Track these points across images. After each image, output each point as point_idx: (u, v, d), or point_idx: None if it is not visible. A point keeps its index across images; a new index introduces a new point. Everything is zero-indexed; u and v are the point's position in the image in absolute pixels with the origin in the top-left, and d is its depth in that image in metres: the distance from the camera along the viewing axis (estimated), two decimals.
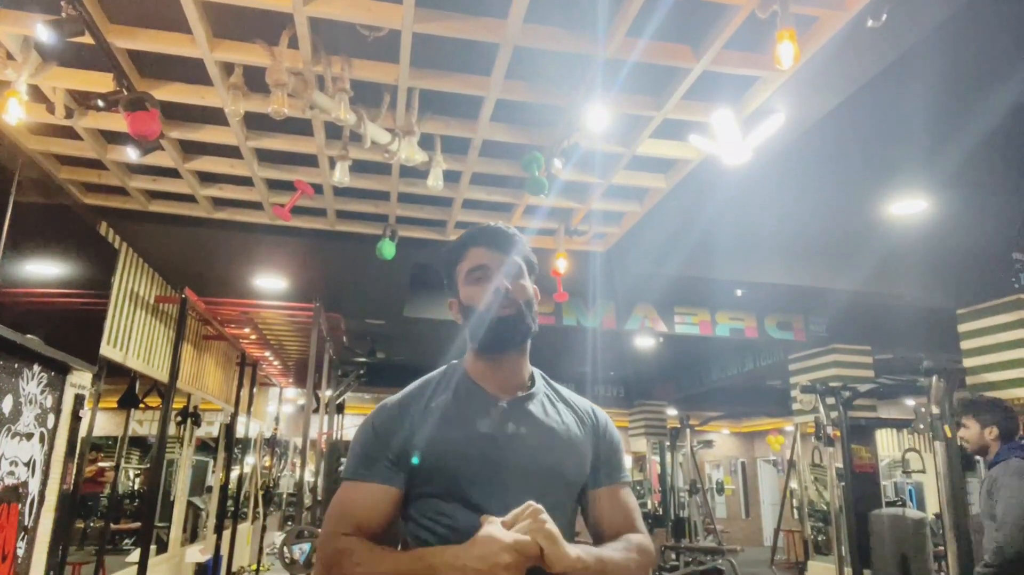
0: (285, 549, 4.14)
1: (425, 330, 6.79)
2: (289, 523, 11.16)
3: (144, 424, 7.51)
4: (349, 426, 9.53)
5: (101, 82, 2.81)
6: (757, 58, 2.69)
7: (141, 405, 5.94)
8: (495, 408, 1.24)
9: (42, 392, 3.45)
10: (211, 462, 8.21)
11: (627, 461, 15.72)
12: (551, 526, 1.06)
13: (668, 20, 2.46)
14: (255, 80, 2.79)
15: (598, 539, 1.28)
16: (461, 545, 1.06)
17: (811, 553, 8.70)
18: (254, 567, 8.13)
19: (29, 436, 3.34)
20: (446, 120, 3.24)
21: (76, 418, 3.77)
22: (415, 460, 1.19)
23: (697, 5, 2.40)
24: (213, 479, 7.68)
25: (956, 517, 4.81)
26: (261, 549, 8.55)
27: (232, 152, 3.55)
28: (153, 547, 4.97)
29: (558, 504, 1.19)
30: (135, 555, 4.78)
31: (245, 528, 8.30)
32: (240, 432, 7.52)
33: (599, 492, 1.30)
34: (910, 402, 10.26)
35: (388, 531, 1.20)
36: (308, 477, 9.07)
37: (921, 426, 5.20)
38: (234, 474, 7.74)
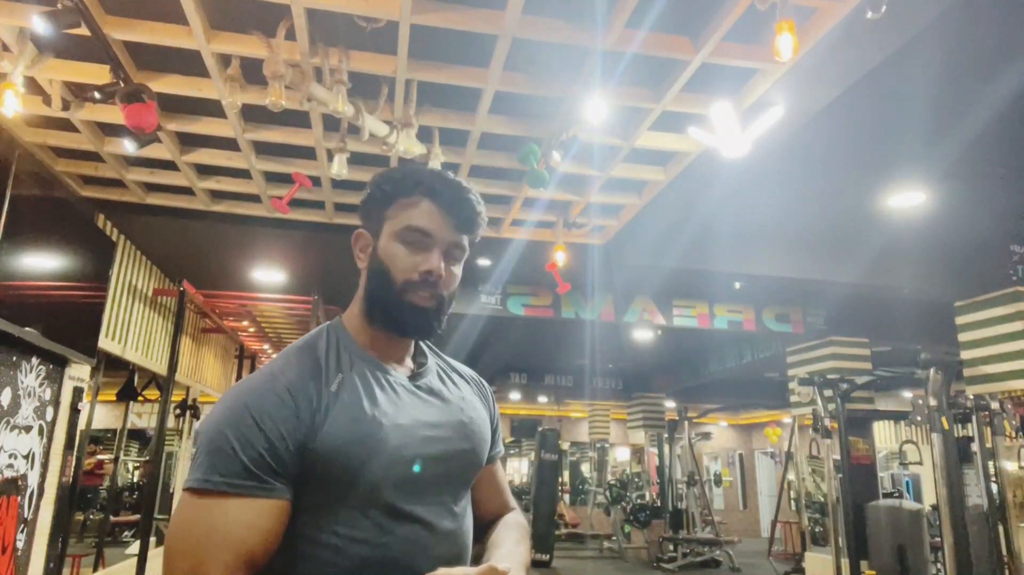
0: None
1: None
2: None
3: (143, 417, 7.52)
4: None
5: (98, 74, 2.79)
6: (756, 50, 2.68)
7: (140, 398, 5.96)
8: (398, 389, 1.03)
9: (40, 385, 3.44)
10: None
11: (625, 453, 15.81)
12: None
13: (667, 11, 2.45)
14: (252, 72, 2.77)
15: (482, 518, 1.15)
16: None
17: (808, 544, 8.74)
18: None
19: (28, 429, 3.34)
20: (444, 112, 3.24)
21: (75, 411, 3.77)
22: (319, 463, 0.92)
23: None
24: None
25: (953, 508, 4.84)
26: None
27: (229, 144, 3.54)
28: (153, 539, 4.99)
29: (467, 495, 1.08)
30: (135, 547, 4.79)
31: None
32: None
33: (488, 469, 1.17)
34: (908, 394, 10.30)
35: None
36: None
37: (919, 418, 5.22)
38: None
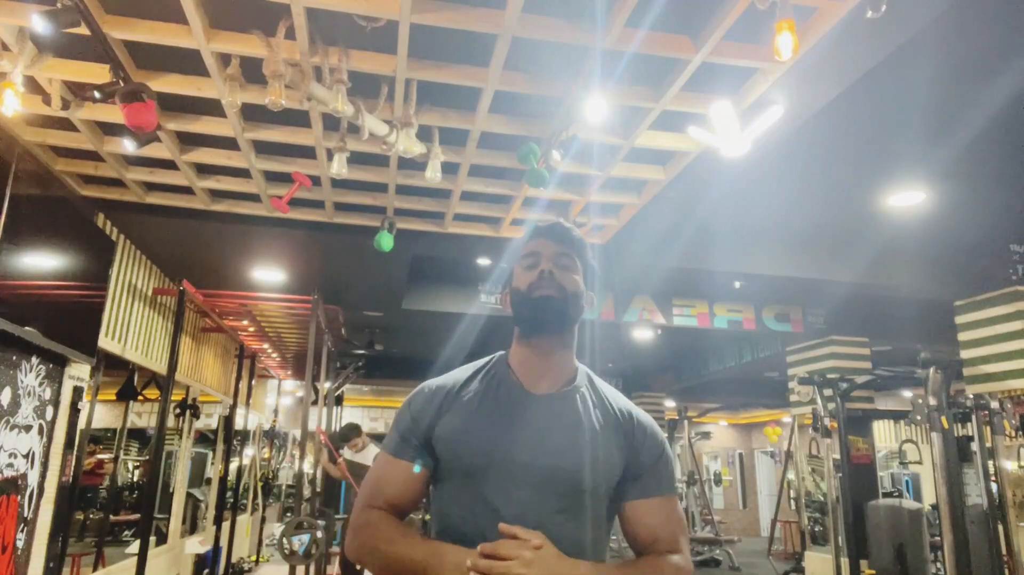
0: (284, 540, 4.15)
1: (424, 322, 6.79)
2: (288, 514, 11.19)
3: (143, 416, 7.52)
4: (348, 419, 9.52)
5: (97, 73, 2.79)
6: (756, 49, 2.68)
7: (140, 397, 5.96)
8: (521, 403, 1.24)
9: (40, 384, 3.44)
10: (210, 454, 8.22)
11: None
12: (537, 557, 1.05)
13: (667, 10, 2.45)
14: (252, 71, 2.77)
15: (637, 555, 1.24)
16: (470, 551, 1.08)
17: (808, 544, 8.74)
18: (253, 558, 8.16)
19: (28, 428, 3.34)
20: (444, 111, 3.23)
21: (75, 410, 3.77)
22: (435, 446, 1.23)
23: None
24: (212, 471, 7.70)
25: (952, 508, 4.84)
26: (260, 540, 8.59)
27: (229, 144, 3.54)
28: (152, 538, 4.99)
29: (572, 510, 1.16)
30: (135, 546, 4.79)
31: (244, 519, 8.33)
32: (239, 424, 7.53)
33: (640, 503, 1.24)
34: (907, 393, 10.30)
35: (415, 507, 1.28)
36: (307, 468, 9.09)
37: (918, 417, 5.22)
38: (233, 466, 7.76)
